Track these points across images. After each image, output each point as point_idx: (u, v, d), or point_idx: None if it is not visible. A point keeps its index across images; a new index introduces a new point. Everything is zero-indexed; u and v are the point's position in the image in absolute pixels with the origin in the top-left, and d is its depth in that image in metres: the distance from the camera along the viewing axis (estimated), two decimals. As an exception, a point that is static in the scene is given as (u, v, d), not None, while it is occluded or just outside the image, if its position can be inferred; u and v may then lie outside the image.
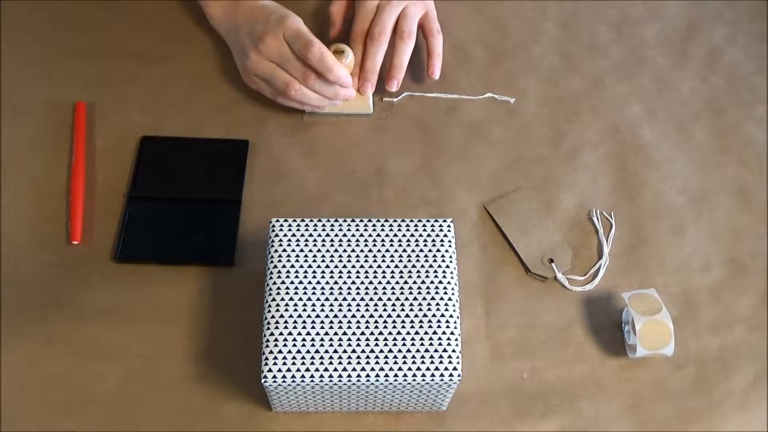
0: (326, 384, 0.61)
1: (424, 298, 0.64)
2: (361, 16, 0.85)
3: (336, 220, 0.67)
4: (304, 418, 0.70)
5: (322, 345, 0.61)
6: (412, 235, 0.67)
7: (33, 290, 0.74)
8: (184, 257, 0.77)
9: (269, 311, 0.63)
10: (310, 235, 0.66)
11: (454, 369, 0.61)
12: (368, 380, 0.61)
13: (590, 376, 0.73)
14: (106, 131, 0.84)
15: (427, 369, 0.61)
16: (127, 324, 0.73)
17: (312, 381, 0.61)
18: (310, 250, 0.66)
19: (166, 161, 0.82)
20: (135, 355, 0.72)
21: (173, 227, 0.78)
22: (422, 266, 0.65)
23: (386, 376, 0.61)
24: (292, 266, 0.65)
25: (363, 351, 0.61)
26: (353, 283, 0.64)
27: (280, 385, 0.61)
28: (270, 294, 0.64)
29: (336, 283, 0.64)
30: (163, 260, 0.76)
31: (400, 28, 0.84)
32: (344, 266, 0.65)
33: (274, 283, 0.64)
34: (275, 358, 0.61)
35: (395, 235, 0.67)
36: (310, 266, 0.65)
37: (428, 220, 0.68)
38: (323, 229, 0.67)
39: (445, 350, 0.62)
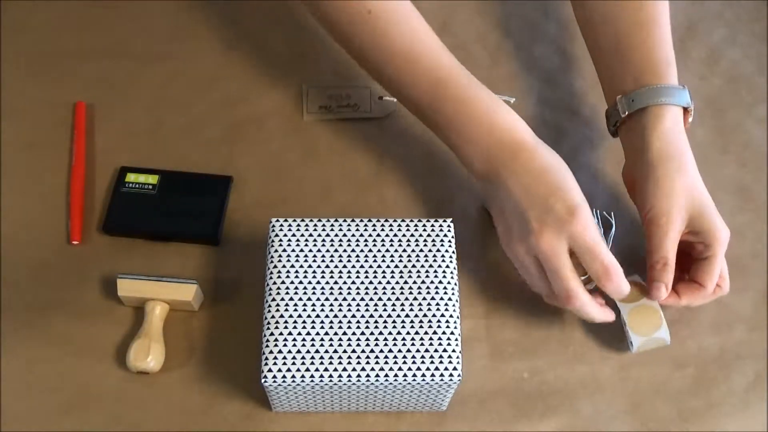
0: (326, 384, 0.61)
1: (424, 298, 0.64)
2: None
3: (336, 220, 0.67)
4: (304, 418, 0.70)
5: (322, 345, 0.61)
6: (412, 235, 0.67)
7: (33, 290, 0.74)
8: (170, 231, 0.77)
9: (269, 311, 0.63)
10: (310, 235, 0.66)
11: (454, 369, 0.61)
12: (368, 380, 0.61)
13: (590, 376, 0.73)
14: (106, 131, 0.84)
15: (427, 369, 0.61)
16: (127, 324, 0.73)
17: (312, 381, 0.61)
18: (310, 250, 0.66)
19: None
20: (135, 355, 0.72)
21: (162, 204, 0.78)
22: (422, 266, 0.65)
23: (386, 376, 0.61)
24: (292, 266, 0.65)
25: (363, 351, 0.61)
26: (353, 283, 0.64)
27: (280, 385, 0.61)
28: (270, 294, 0.64)
29: (336, 283, 0.64)
30: (150, 234, 0.77)
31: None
32: (344, 266, 0.65)
33: (274, 283, 0.64)
34: (275, 358, 0.61)
35: (395, 235, 0.67)
36: (310, 266, 0.65)
37: (428, 220, 0.68)
38: (323, 229, 0.67)
39: (445, 350, 0.62)
